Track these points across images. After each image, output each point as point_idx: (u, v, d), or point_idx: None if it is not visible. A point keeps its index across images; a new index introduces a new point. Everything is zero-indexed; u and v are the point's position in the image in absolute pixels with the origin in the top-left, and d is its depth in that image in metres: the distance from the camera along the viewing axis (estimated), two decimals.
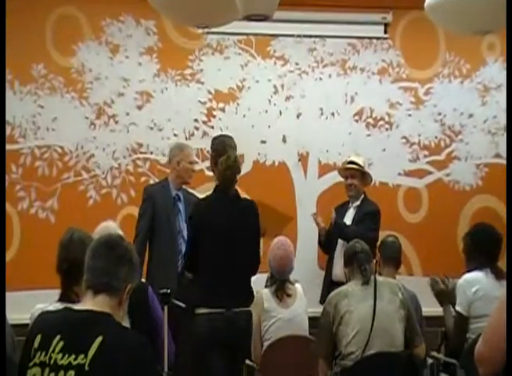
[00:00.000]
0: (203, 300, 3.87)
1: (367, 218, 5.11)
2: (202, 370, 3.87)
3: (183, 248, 4.76)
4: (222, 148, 4.05)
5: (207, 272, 3.92)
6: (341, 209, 5.35)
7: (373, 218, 5.11)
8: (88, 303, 2.29)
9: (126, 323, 2.95)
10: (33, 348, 2.23)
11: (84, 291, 2.33)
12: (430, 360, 4.32)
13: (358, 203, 5.28)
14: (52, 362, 2.17)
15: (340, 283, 4.77)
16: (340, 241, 5.14)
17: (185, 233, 4.96)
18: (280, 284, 4.46)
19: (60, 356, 2.17)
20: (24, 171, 5.56)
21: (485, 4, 3.81)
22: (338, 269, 5.03)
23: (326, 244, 5.30)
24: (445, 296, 4.26)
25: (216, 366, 3.82)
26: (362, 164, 5.31)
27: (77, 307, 2.34)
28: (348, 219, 5.25)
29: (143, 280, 4.73)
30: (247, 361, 4.47)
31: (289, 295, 4.45)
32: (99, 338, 2.16)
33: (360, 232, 4.85)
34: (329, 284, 5.02)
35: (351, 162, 5.32)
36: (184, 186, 5.10)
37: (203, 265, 3.93)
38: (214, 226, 3.92)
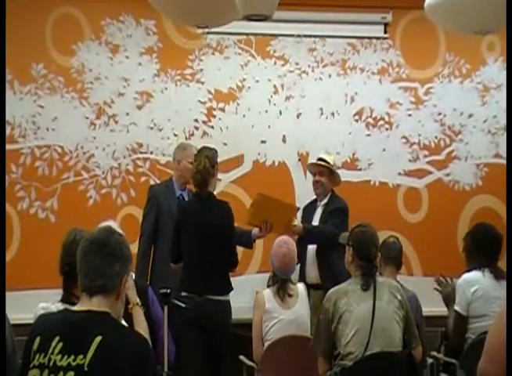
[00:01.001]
0: (181, 285, 4.45)
1: (333, 215, 5.01)
2: (180, 346, 4.31)
3: None
4: (198, 156, 4.63)
5: (185, 263, 4.55)
6: (310, 208, 5.26)
7: (339, 214, 5.00)
8: (86, 305, 2.28)
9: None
10: (32, 351, 2.21)
11: (80, 293, 2.31)
12: (430, 360, 4.32)
13: (325, 200, 5.16)
14: (51, 363, 2.16)
15: (314, 285, 4.78)
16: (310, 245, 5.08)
17: None
18: (282, 284, 4.45)
19: (59, 357, 2.15)
20: (24, 171, 5.55)
21: (485, 4, 3.81)
22: (312, 273, 5.01)
23: None
24: (452, 298, 4.24)
25: (190, 343, 4.37)
26: (331, 162, 5.22)
27: (75, 308, 2.33)
28: (317, 217, 5.15)
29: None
30: (248, 361, 4.48)
31: (290, 295, 4.43)
32: (98, 338, 2.14)
33: (328, 230, 4.89)
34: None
35: (321, 159, 5.23)
36: (189, 187, 5.11)
37: (183, 257, 4.57)
38: (190, 225, 4.53)
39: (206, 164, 4.52)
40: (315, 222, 5.15)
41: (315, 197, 5.26)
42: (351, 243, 3.80)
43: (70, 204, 5.55)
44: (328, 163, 5.18)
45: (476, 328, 4.03)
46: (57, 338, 2.18)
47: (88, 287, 2.28)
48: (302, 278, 5.03)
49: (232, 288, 4.56)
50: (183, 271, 4.56)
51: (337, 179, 5.23)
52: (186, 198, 5.04)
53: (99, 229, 2.41)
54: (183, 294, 4.40)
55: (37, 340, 2.21)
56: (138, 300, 3.17)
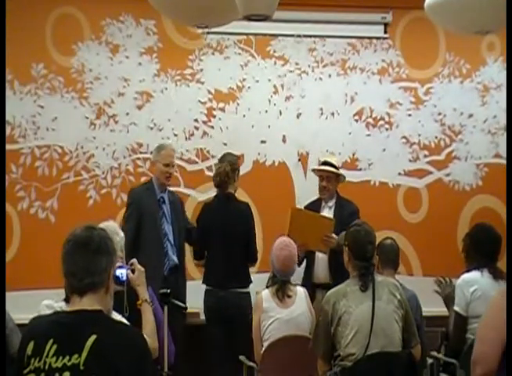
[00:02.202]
0: (205, 280, 4.98)
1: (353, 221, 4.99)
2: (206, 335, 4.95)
3: (169, 251, 4.94)
4: (221, 161, 5.02)
5: (209, 260, 5.00)
6: (313, 208, 5.16)
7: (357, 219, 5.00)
8: (77, 305, 2.25)
9: None
10: (26, 356, 2.18)
11: (70, 295, 2.28)
12: (430, 360, 4.31)
13: (333, 201, 5.11)
14: (46, 366, 2.14)
15: (322, 285, 4.75)
16: None
17: (170, 236, 4.93)
18: (282, 285, 4.45)
19: (54, 359, 2.13)
20: (24, 171, 5.56)
21: (485, 4, 3.81)
22: (321, 272, 4.99)
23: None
24: (452, 299, 4.23)
25: (214, 332, 4.88)
26: (336, 164, 5.16)
27: (67, 309, 2.30)
28: None
29: None
30: (248, 361, 4.48)
31: (289, 296, 4.44)
32: (93, 337, 2.13)
33: None
34: (311, 287, 4.88)
35: (326, 162, 5.15)
36: (170, 189, 5.07)
37: (207, 254, 5.01)
38: (213, 226, 4.90)
39: (226, 167, 4.91)
40: None
41: (316, 196, 5.21)
42: (347, 243, 3.79)
43: (70, 204, 5.56)
44: (334, 166, 5.12)
45: (475, 328, 4.01)
46: (51, 341, 2.16)
47: (77, 288, 2.25)
48: (308, 278, 5.01)
49: (251, 281, 4.95)
50: (207, 267, 5.01)
51: (341, 179, 5.19)
52: (167, 200, 4.99)
53: (80, 228, 2.35)
54: (207, 288, 4.92)
55: (31, 344, 2.19)
56: (147, 297, 3.17)
